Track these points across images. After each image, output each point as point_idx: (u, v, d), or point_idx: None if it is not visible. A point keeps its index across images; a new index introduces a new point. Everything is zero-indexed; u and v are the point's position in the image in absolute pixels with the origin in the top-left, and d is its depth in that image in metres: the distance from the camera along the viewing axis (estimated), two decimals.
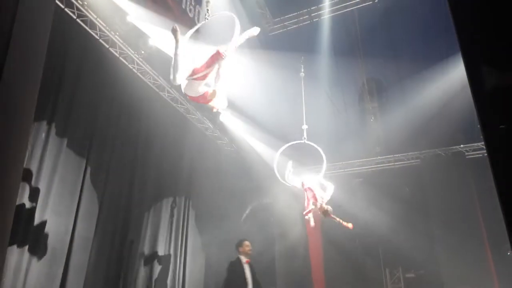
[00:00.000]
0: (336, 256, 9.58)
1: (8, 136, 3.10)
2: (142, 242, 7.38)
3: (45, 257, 5.55)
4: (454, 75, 8.38)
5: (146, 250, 7.42)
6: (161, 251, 7.78)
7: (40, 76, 3.55)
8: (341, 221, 6.13)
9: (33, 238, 5.43)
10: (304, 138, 6.76)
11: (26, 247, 5.31)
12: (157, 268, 7.60)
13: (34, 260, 5.40)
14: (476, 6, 1.88)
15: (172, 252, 8.10)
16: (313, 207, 6.22)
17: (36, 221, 5.49)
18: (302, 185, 6.49)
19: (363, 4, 9.66)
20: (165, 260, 7.87)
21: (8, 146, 3.07)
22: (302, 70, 7.08)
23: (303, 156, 7.99)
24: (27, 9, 3.27)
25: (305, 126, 6.77)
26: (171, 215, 8.30)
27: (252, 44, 9.28)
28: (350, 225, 6.10)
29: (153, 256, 7.56)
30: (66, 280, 5.77)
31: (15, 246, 5.09)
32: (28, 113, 3.48)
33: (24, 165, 5.06)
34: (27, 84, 3.39)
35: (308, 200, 6.33)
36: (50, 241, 5.66)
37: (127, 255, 7.01)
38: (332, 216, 6.19)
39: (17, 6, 3.15)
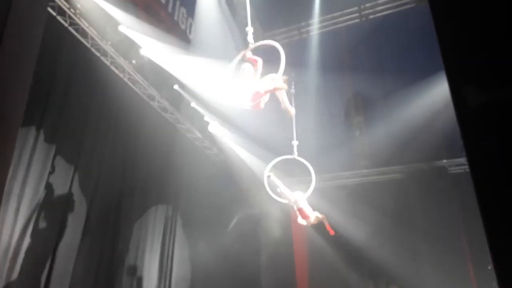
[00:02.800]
0: (321, 268, 9.59)
1: None
2: (130, 249, 7.36)
3: (28, 263, 5.49)
4: (438, 92, 8.58)
5: (134, 257, 7.40)
6: (148, 259, 7.75)
7: (30, 83, 3.57)
8: (328, 226, 6.25)
9: (17, 244, 5.37)
10: (295, 154, 6.81)
11: (10, 253, 5.26)
12: (144, 276, 7.55)
13: (17, 266, 5.34)
14: (460, 26, 1.97)
15: (159, 259, 8.07)
16: (305, 223, 6.28)
17: (21, 226, 5.43)
18: (296, 202, 6.46)
19: (350, 22, 9.92)
20: (152, 268, 7.83)
21: None
22: (293, 87, 7.16)
23: (292, 168, 8.06)
24: (18, 16, 3.29)
25: (295, 142, 6.83)
26: (159, 224, 8.27)
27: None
28: (332, 231, 6.23)
29: (140, 263, 7.54)
30: (48, 286, 5.71)
31: None
32: (15, 119, 3.47)
33: (11, 171, 5.05)
34: (16, 90, 3.40)
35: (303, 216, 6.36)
36: (34, 248, 5.61)
37: (114, 262, 6.97)
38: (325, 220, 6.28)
39: (8, 12, 3.18)
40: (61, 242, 5.99)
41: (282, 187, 6.39)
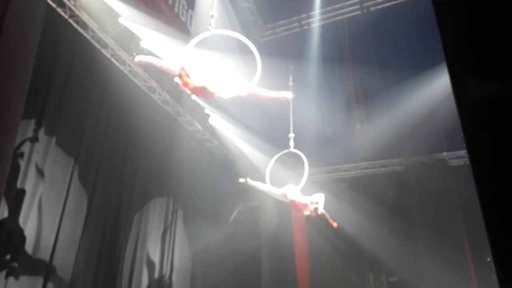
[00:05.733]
0: (321, 260, 9.66)
1: None
2: (131, 242, 7.40)
3: (28, 255, 5.53)
4: (439, 84, 8.57)
5: (135, 250, 7.43)
6: (149, 251, 7.80)
7: (30, 75, 3.57)
8: (329, 218, 6.22)
9: (17, 235, 5.40)
10: (291, 146, 6.85)
11: (10, 246, 5.28)
12: (145, 268, 7.60)
13: (17, 258, 5.37)
14: (462, 17, 1.95)
15: (159, 251, 8.13)
16: (308, 213, 6.27)
17: (21, 219, 5.46)
18: (285, 196, 6.48)
19: (351, 14, 9.88)
20: (153, 260, 7.89)
21: None
22: (291, 79, 7.16)
23: (290, 160, 8.07)
24: (17, 7, 3.28)
25: (292, 135, 6.87)
26: (159, 216, 8.32)
27: (243, 49, 9.35)
28: (335, 224, 6.20)
29: (141, 255, 7.57)
30: (49, 278, 5.75)
31: None
32: (16, 111, 3.47)
33: (11, 163, 5.05)
34: (16, 82, 3.39)
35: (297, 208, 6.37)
36: (34, 240, 5.65)
37: (114, 254, 7.01)
38: (325, 214, 6.26)
39: (8, 4, 3.16)
40: (61, 235, 6.01)
41: (262, 187, 6.44)
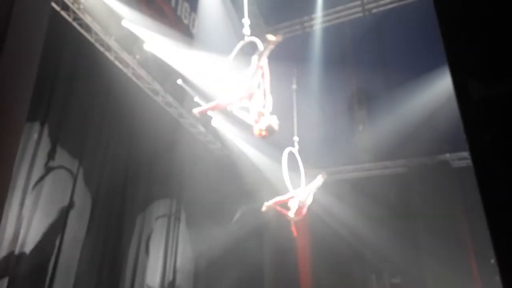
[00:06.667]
0: (324, 261, 9.65)
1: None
2: (134, 243, 7.42)
3: (33, 257, 5.56)
4: (441, 86, 8.57)
5: (138, 251, 7.46)
6: (152, 252, 7.82)
7: (34, 77, 3.59)
8: (294, 227, 6.28)
9: (22, 237, 5.43)
10: (295, 148, 6.83)
11: (16, 246, 5.32)
12: (148, 269, 7.63)
13: (23, 259, 5.40)
14: (463, 21, 1.97)
15: (162, 253, 8.15)
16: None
17: (25, 220, 5.49)
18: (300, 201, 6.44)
19: (353, 16, 9.90)
20: (156, 261, 7.91)
21: None
22: (295, 82, 7.16)
23: (294, 162, 8.09)
24: (22, 10, 3.31)
25: (296, 138, 6.85)
26: (163, 217, 8.34)
27: (245, 51, 9.38)
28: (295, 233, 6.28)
29: (144, 257, 7.61)
30: (54, 279, 5.77)
31: (3, 244, 5.11)
32: (20, 114, 3.50)
33: (15, 165, 5.09)
34: (20, 85, 3.42)
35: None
36: (40, 241, 5.67)
37: (118, 256, 7.04)
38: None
39: (12, 7, 3.19)
40: (66, 236, 6.05)
41: (283, 198, 6.42)
